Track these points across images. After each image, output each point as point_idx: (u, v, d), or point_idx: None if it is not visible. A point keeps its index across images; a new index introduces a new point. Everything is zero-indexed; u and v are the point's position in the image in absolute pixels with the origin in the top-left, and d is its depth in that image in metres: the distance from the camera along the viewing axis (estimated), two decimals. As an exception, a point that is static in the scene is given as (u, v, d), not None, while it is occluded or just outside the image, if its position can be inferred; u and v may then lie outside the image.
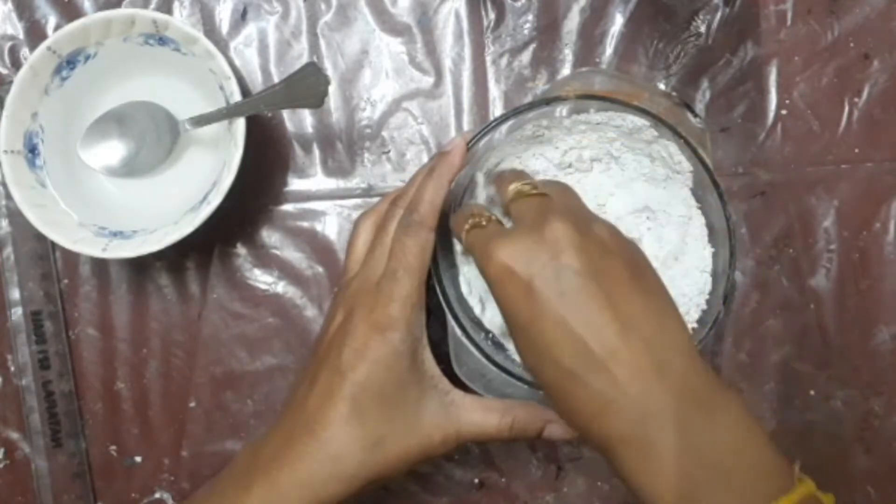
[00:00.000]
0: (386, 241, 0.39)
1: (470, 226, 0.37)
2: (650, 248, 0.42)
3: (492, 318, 0.43)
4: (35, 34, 0.51)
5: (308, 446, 0.36)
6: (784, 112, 0.50)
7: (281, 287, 0.51)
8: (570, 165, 0.43)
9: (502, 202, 0.39)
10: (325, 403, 0.37)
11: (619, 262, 0.33)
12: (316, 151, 0.51)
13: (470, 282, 0.43)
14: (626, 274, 0.33)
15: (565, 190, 0.38)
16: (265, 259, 0.51)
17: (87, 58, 0.46)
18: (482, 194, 0.43)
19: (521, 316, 0.33)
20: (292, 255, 0.51)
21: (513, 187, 0.38)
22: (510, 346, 0.43)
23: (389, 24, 0.51)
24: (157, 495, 0.50)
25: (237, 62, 0.51)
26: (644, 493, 0.31)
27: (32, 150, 0.46)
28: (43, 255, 0.50)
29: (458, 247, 0.43)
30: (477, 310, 0.43)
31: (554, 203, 0.36)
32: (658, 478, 0.31)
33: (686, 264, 0.43)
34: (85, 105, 0.48)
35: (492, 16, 0.51)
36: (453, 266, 0.43)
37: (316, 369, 0.38)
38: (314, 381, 0.38)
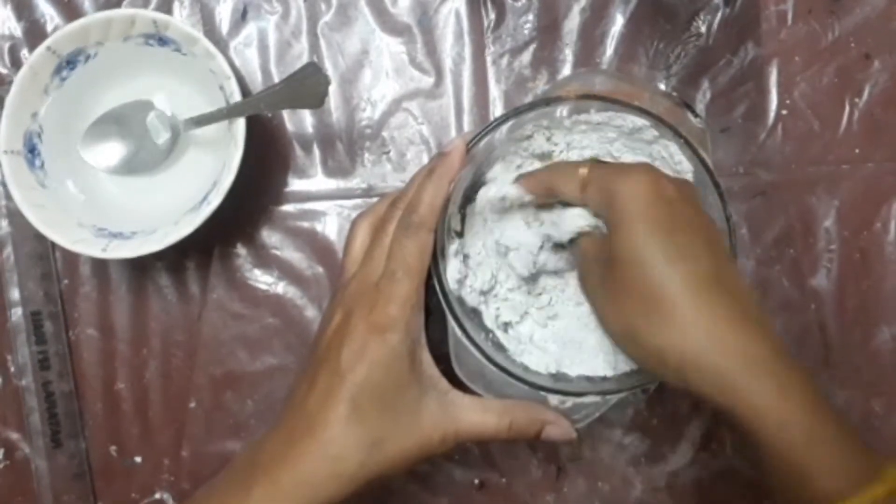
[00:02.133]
0: (385, 242, 0.39)
1: (590, 166, 0.38)
2: None
3: (495, 316, 0.43)
4: (35, 34, 0.51)
5: (308, 447, 0.36)
6: (784, 112, 0.50)
7: (281, 287, 0.51)
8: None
9: (579, 183, 0.39)
10: (324, 404, 0.37)
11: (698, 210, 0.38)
12: (316, 151, 0.51)
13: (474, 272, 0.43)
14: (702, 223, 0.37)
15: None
16: (265, 259, 0.51)
17: (87, 58, 0.46)
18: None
19: (667, 221, 0.35)
20: (292, 255, 0.51)
21: (584, 168, 0.39)
22: (510, 346, 0.43)
23: (390, 24, 0.51)
24: (157, 495, 0.50)
25: (237, 62, 0.51)
26: (760, 411, 0.33)
27: (32, 151, 0.46)
28: (43, 255, 0.50)
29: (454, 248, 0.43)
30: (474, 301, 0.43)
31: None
32: (783, 401, 0.33)
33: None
34: (85, 105, 0.48)
35: (492, 16, 0.51)
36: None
37: (315, 370, 0.38)
38: (313, 382, 0.38)
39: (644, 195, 0.35)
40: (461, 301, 0.43)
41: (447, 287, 0.40)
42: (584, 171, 0.38)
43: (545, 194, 0.40)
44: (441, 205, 0.39)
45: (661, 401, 0.50)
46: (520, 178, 0.41)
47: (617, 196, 0.36)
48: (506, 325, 0.44)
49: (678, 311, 0.34)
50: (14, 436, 0.50)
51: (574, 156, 0.43)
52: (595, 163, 0.39)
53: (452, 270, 0.42)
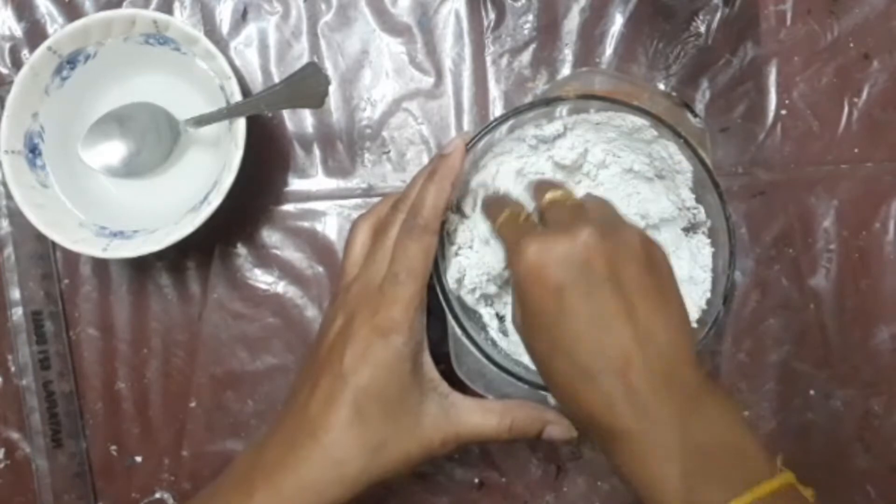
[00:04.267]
0: (387, 244, 0.39)
1: (505, 218, 0.39)
2: None
3: (495, 315, 0.43)
4: (35, 34, 0.51)
5: (311, 451, 0.36)
6: (784, 112, 0.51)
7: (281, 287, 0.51)
8: (572, 166, 0.43)
9: (538, 208, 0.40)
10: (327, 408, 0.37)
11: (643, 270, 0.35)
12: (316, 151, 0.51)
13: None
14: (649, 283, 0.35)
15: (602, 202, 0.40)
16: (265, 259, 0.51)
17: (88, 58, 0.46)
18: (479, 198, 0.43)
19: (547, 312, 0.34)
20: (293, 255, 0.51)
21: (549, 195, 0.39)
22: (510, 346, 0.43)
23: (389, 24, 0.51)
24: (158, 495, 0.50)
25: (237, 62, 0.51)
26: (647, 482, 0.33)
27: (33, 150, 0.46)
28: (43, 255, 0.50)
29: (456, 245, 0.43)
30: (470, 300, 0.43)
31: (587, 210, 0.38)
32: (663, 470, 0.32)
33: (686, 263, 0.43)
34: (85, 105, 0.48)
35: (492, 16, 0.51)
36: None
37: (317, 373, 0.38)
38: (315, 385, 0.38)
39: (526, 276, 0.35)
40: (461, 301, 0.43)
41: (447, 287, 0.40)
42: (502, 218, 0.39)
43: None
44: (444, 207, 0.39)
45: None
46: (484, 204, 0.42)
47: (513, 266, 0.36)
48: (506, 325, 0.44)
49: (563, 395, 0.35)
50: (14, 435, 0.50)
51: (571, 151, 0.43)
52: (513, 217, 0.39)
53: (452, 271, 0.42)
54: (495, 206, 0.41)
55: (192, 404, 0.50)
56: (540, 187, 0.41)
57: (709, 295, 0.42)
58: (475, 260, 0.42)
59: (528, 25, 0.51)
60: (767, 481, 0.31)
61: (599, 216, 0.38)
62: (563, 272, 0.34)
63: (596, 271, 0.34)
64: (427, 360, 0.39)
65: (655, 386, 0.33)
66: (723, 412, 0.34)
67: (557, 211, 0.38)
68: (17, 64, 0.51)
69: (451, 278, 0.42)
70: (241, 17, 0.51)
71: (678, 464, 0.32)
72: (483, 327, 0.43)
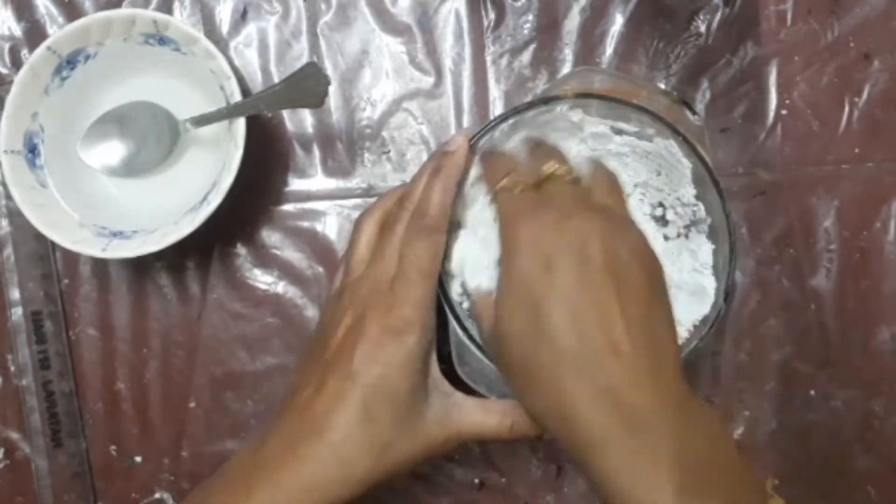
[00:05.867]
0: (395, 242, 0.39)
1: (503, 186, 0.38)
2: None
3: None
4: (35, 34, 0.51)
5: (316, 450, 0.36)
6: (784, 112, 0.50)
7: (281, 287, 0.51)
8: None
9: (534, 173, 0.39)
10: (335, 407, 0.36)
11: (639, 270, 0.34)
12: (316, 151, 0.51)
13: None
14: (643, 283, 0.34)
15: (609, 181, 0.39)
16: (265, 259, 0.51)
17: (88, 58, 0.46)
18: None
19: (534, 289, 0.34)
20: (292, 255, 0.51)
21: (548, 166, 0.38)
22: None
23: (389, 24, 0.51)
24: (157, 495, 0.50)
25: (237, 62, 0.51)
26: (636, 496, 0.31)
27: (32, 150, 0.46)
28: (43, 255, 0.50)
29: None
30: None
31: (592, 196, 0.37)
32: (655, 473, 0.31)
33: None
34: (85, 105, 0.48)
35: (492, 16, 0.51)
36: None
37: (324, 371, 0.38)
38: (322, 383, 0.37)
39: (517, 250, 0.34)
40: (462, 301, 0.43)
41: (448, 287, 0.40)
42: (500, 184, 0.38)
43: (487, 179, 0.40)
44: (450, 204, 0.39)
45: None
46: (482, 156, 0.41)
47: (505, 237, 0.35)
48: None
49: (536, 389, 0.34)
50: (14, 435, 0.50)
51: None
52: (508, 189, 0.38)
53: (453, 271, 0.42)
54: (495, 165, 0.39)
55: (192, 405, 0.50)
56: (537, 151, 0.40)
57: (712, 297, 0.42)
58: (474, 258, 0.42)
59: (528, 25, 0.51)
60: None
61: (603, 204, 0.37)
62: (559, 251, 0.33)
63: (594, 259, 0.33)
64: (433, 359, 0.39)
65: (646, 388, 0.32)
66: (713, 428, 0.33)
67: (559, 187, 0.37)
68: (16, 64, 0.51)
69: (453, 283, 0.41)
70: (241, 17, 0.51)
71: (674, 477, 0.30)
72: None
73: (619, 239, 0.34)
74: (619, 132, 0.42)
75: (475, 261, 0.40)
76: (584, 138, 0.42)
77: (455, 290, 0.41)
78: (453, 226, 0.41)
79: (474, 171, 0.40)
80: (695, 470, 0.31)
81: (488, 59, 0.51)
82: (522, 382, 0.35)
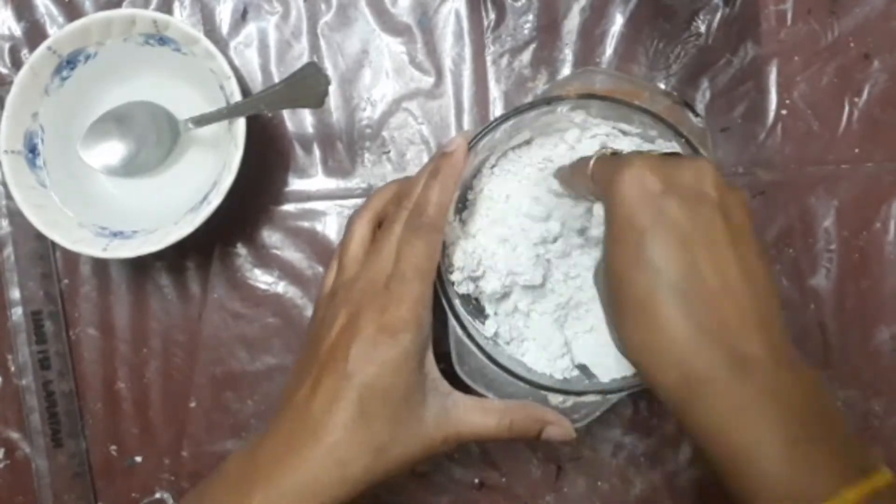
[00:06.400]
0: (391, 241, 0.39)
1: (598, 157, 0.36)
2: None
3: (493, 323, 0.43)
4: (35, 34, 0.51)
5: (313, 451, 0.36)
6: (784, 112, 0.50)
7: (281, 287, 0.51)
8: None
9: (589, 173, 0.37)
10: (330, 407, 0.36)
11: (748, 218, 0.33)
12: (316, 151, 0.51)
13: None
14: (752, 231, 0.33)
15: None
16: (265, 259, 0.51)
17: (88, 58, 0.46)
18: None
19: (642, 218, 0.32)
20: (292, 255, 0.51)
21: (600, 153, 0.37)
22: (511, 346, 0.43)
23: (390, 24, 0.51)
24: (157, 495, 0.50)
25: (237, 62, 0.51)
26: (743, 435, 0.30)
27: (32, 150, 0.46)
28: (43, 255, 0.50)
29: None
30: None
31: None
32: (764, 422, 0.30)
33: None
34: (85, 105, 0.48)
35: (492, 16, 0.51)
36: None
37: (319, 371, 0.37)
38: (317, 383, 0.37)
39: (627, 179, 0.33)
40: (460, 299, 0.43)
41: (448, 286, 0.40)
42: (591, 164, 0.37)
43: (570, 190, 0.40)
44: (448, 205, 0.39)
45: (661, 400, 0.50)
46: (557, 173, 0.41)
47: (606, 194, 0.34)
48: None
49: (640, 320, 0.32)
50: (14, 435, 0.50)
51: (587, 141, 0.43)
52: (605, 155, 0.37)
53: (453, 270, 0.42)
54: (575, 166, 0.38)
55: (192, 404, 0.50)
56: (577, 164, 0.39)
57: None
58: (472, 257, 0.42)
59: (528, 25, 0.51)
60: (879, 474, 0.29)
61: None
62: (671, 185, 0.32)
63: (707, 196, 0.32)
64: (430, 359, 0.39)
65: (754, 336, 0.31)
66: (818, 386, 0.31)
67: (606, 162, 0.36)
68: (16, 64, 0.51)
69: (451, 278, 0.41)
70: (241, 17, 0.51)
71: (782, 428, 0.29)
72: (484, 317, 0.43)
73: (732, 190, 0.34)
74: (624, 133, 0.42)
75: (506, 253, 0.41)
76: (592, 136, 0.42)
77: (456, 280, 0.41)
78: (464, 233, 0.42)
79: (492, 183, 0.40)
80: (803, 424, 0.30)
81: (488, 59, 0.51)
82: (622, 314, 0.33)
